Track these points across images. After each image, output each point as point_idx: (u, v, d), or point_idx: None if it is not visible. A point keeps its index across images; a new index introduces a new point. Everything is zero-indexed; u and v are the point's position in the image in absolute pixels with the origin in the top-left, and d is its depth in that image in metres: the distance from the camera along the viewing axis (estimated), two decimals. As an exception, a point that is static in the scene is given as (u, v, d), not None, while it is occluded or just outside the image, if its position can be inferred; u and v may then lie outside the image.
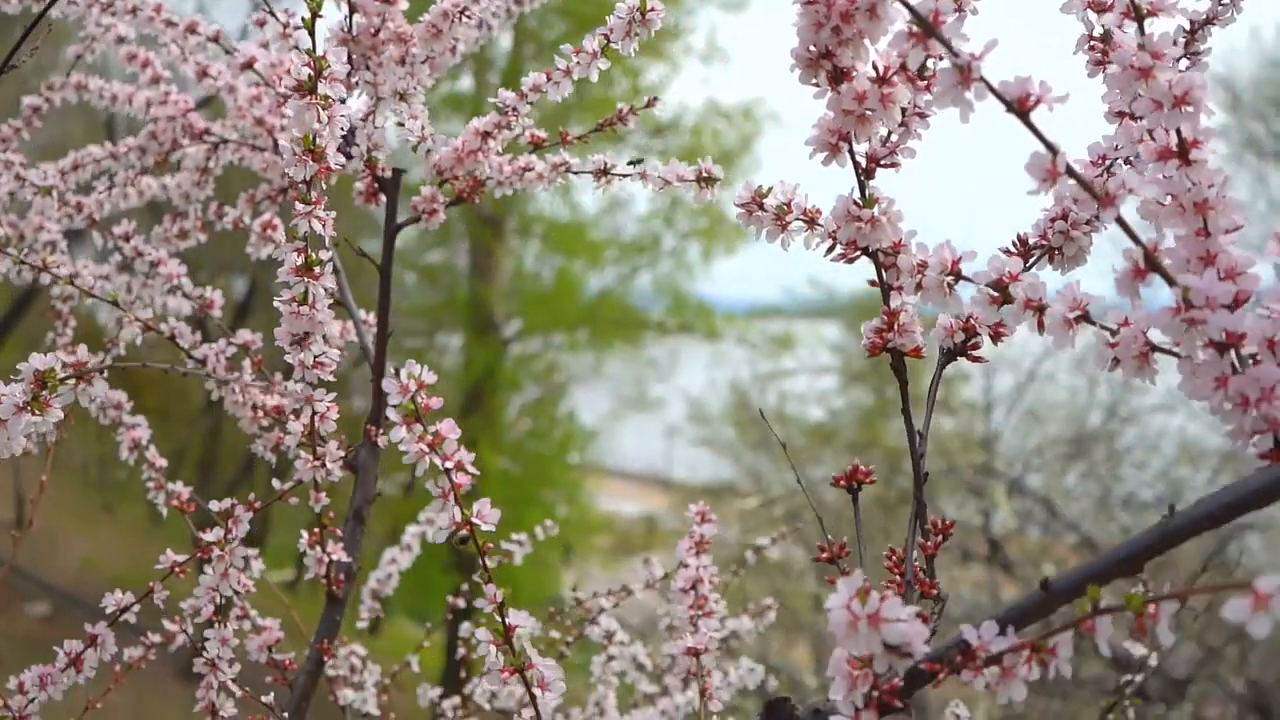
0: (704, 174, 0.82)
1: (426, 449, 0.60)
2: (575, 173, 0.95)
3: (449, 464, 0.60)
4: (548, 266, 11.65)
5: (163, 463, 1.07)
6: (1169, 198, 0.53)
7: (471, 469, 0.61)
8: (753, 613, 1.40)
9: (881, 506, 7.40)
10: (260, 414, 0.99)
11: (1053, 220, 0.66)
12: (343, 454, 0.89)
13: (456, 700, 1.31)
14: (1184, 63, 0.70)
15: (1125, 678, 1.07)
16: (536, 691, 0.63)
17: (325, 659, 0.97)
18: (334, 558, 0.95)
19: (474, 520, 0.61)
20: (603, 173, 0.93)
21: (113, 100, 1.22)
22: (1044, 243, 0.66)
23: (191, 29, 1.08)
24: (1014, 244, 0.67)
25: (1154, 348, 0.53)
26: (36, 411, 0.66)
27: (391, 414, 0.60)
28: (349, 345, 1.02)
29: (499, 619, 0.63)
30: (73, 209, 1.12)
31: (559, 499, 10.72)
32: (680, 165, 0.85)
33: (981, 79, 0.49)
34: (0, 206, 1.16)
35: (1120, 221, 0.50)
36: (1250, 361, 0.51)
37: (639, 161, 0.93)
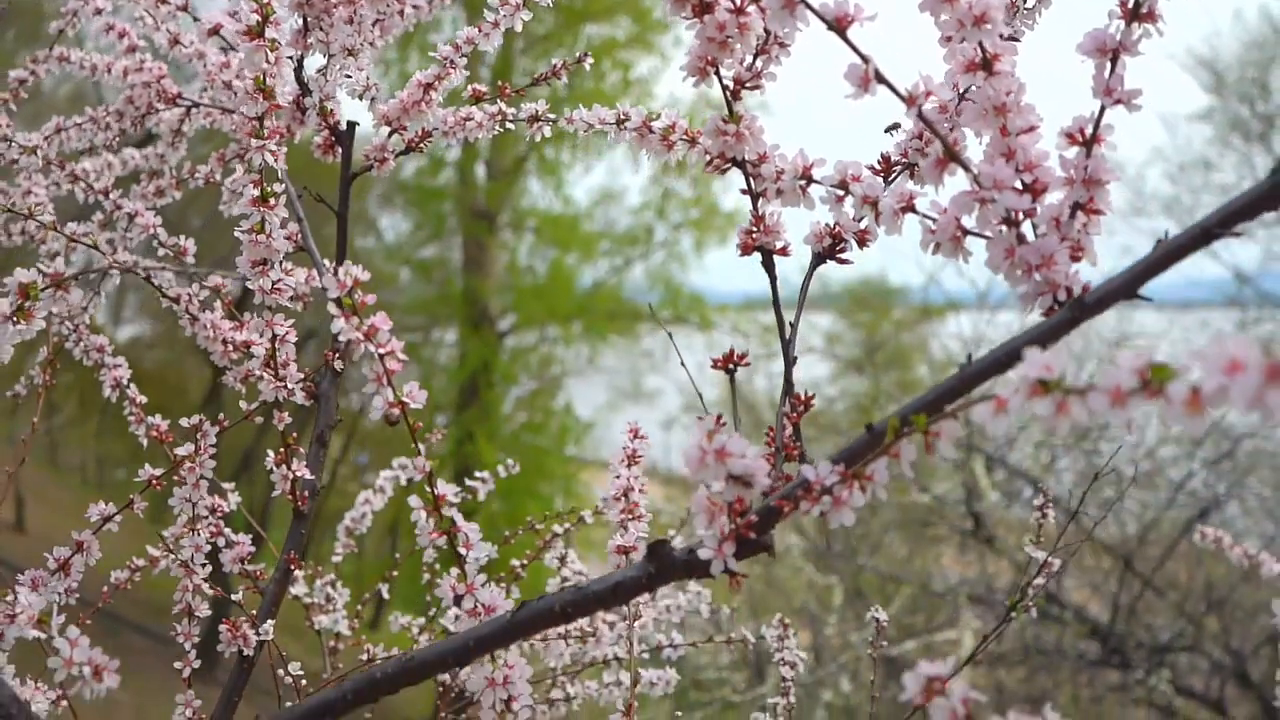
0: (621, 117, 0.92)
1: (362, 337, 0.69)
2: (511, 121, 1.04)
3: (382, 351, 0.70)
4: (541, 260, 11.75)
5: (143, 399, 1.16)
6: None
7: (401, 356, 0.70)
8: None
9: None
10: (230, 348, 1.08)
11: (912, 139, 0.75)
12: (302, 375, 0.98)
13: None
14: (1030, 1, 0.79)
15: (1025, 580, 1.17)
16: (462, 550, 0.72)
17: (292, 568, 1.06)
18: (298, 475, 1.04)
19: (405, 399, 0.71)
20: (534, 119, 1.03)
21: (92, 70, 1.31)
22: (904, 159, 0.75)
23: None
24: (878, 160, 0.76)
25: (965, 231, 0.62)
26: (21, 320, 0.75)
27: (332, 308, 0.69)
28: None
29: (429, 489, 0.72)
30: (56, 167, 1.21)
31: (556, 491, 10.80)
32: (602, 110, 0.94)
33: (805, 2, 0.58)
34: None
35: (923, 118, 0.59)
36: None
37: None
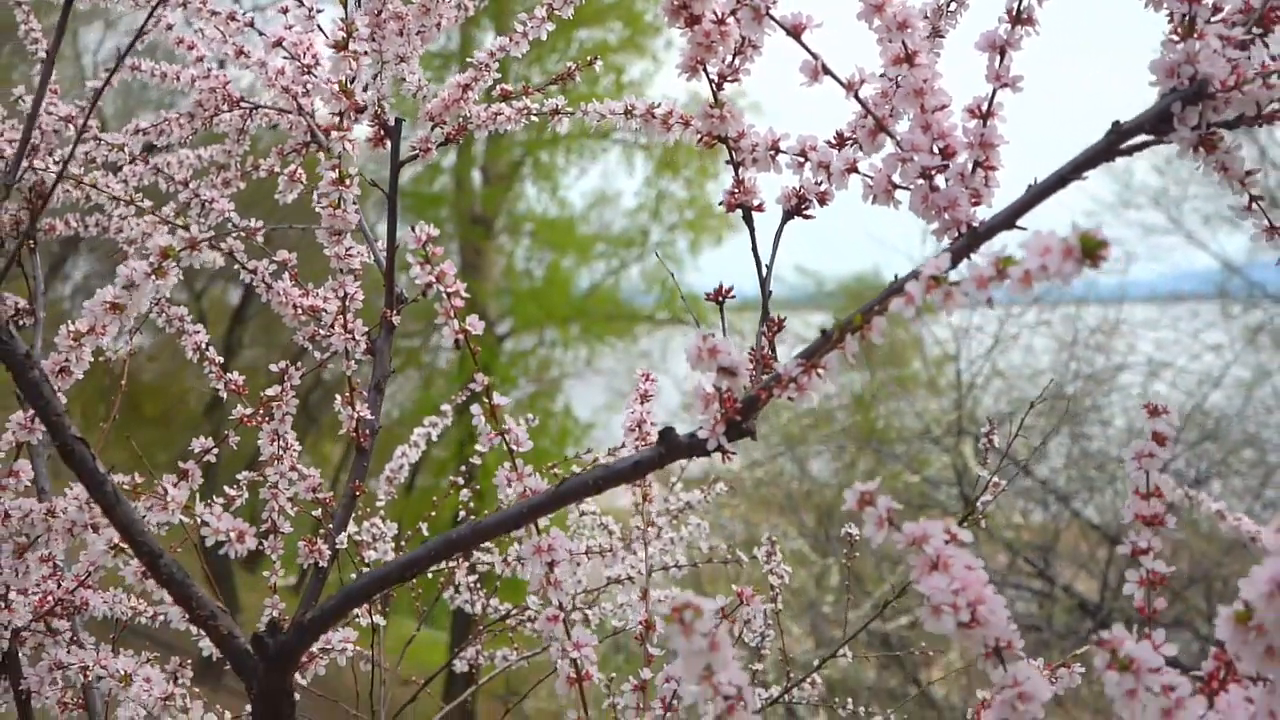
0: (629, 108, 1.11)
1: (434, 280, 0.89)
2: (535, 115, 1.24)
3: (449, 290, 0.90)
4: (538, 263, 11.96)
5: (220, 359, 1.36)
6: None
7: (464, 294, 0.90)
8: (703, 488, 1.70)
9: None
10: (298, 311, 1.28)
11: (857, 118, 0.95)
12: (367, 330, 1.18)
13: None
14: (953, 5, 0.99)
15: (976, 498, 1.36)
16: (513, 446, 0.92)
17: (357, 495, 1.26)
18: (361, 416, 1.24)
19: (467, 328, 0.91)
20: (556, 112, 1.23)
21: (162, 78, 1.51)
22: (853, 134, 0.95)
23: (231, 17, 1.37)
24: (835, 135, 0.96)
25: (894, 184, 0.82)
26: (159, 277, 0.95)
27: (409, 257, 0.89)
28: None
29: (487, 400, 0.92)
30: (141, 162, 1.41)
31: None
32: (613, 103, 1.14)
33: (769, 14, 0.78)
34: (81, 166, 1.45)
35: (858, 100, 0.80)
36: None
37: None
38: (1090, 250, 0.56)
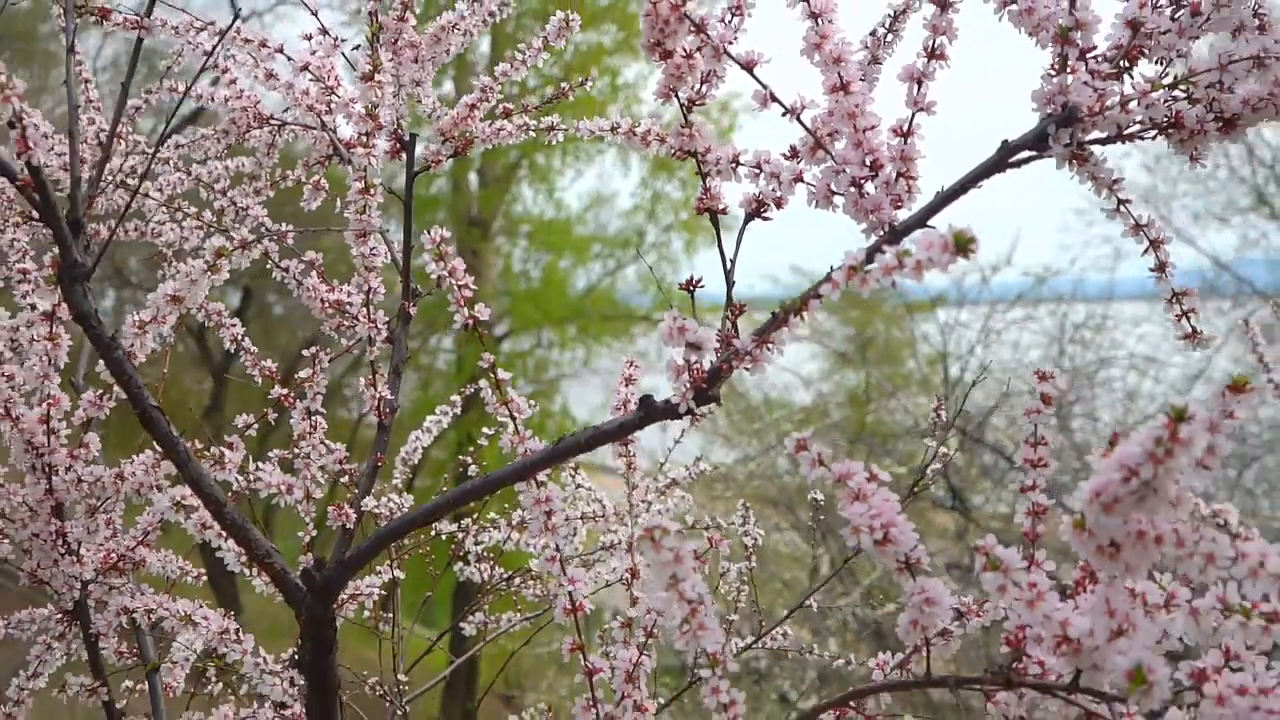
0: (614, 126, 1.28)
1: (447, 274, 1.06)
2: (534, 131, 1.41)
3: (459, 283, 1.06)
4: (535, 265, 12.12)
5: (255, 350, 1.53)
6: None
7: (472, 286, 1.07)
8: (690, 468, 1.87)
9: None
10: (325, 305, 1.45)
11: (803, 137, 1.12)
12: (388, 319, 1.35)
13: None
14: (890, 36, 1.16)
15: (926, 465, 1.53)
16: (516, 415, 1.09)
17: (378, 465, 1.42)
18: (383, 395, 1.41)
19: (475, 314, 1.07)
20: (551, 128, 1.40)
21: (197, 98, 1.68)
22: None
23: (263, 44, 1.54)
24: (789, 149, 1.13)
25: (832, 191, 0.99)
26: (213, 273, 1.12)
27: (425, 256, 1.06)
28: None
29: (493, 375, 1.09)
30: (184, 172, 1.58)
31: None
32: (601, 120, 1.31)
33: (726, 52, 0.95)
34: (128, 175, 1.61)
35: (800, 122, 0.96)
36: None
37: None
38: (961, 245, 0.73)
